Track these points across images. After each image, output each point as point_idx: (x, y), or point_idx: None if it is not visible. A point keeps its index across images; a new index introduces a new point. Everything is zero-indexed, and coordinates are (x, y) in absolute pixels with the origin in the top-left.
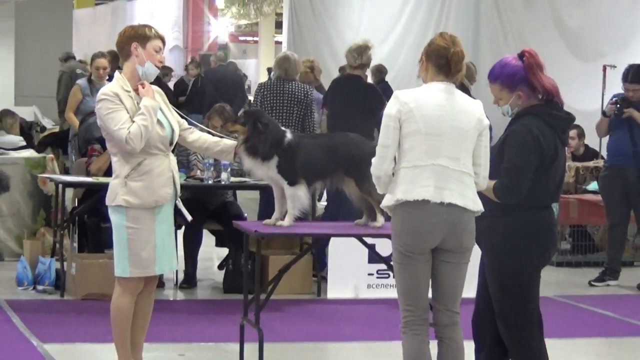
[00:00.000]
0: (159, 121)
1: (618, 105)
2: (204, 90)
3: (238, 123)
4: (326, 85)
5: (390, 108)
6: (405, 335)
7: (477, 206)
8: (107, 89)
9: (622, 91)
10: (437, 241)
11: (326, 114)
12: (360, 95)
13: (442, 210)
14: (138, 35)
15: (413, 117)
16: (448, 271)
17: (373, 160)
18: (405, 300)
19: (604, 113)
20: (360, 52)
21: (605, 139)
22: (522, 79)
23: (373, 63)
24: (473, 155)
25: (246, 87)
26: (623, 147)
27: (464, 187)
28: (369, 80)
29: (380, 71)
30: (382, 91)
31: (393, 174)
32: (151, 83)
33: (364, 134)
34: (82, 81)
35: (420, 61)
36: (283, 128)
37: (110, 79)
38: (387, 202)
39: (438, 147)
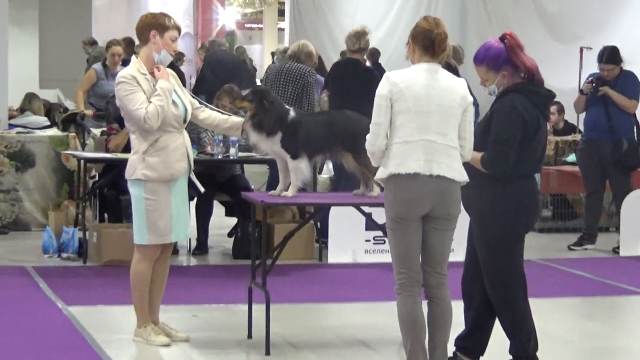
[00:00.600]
0: (173, 101)
1: (594, 84)
2: (203, 73)
3: (246, 100)
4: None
5: (382, 88)
6: (399, 296)
7: (463, 177)
8: (125, 72)
9: (597, 71)
10: (427, 209)
11: (327, 94)
12: (359, 78)
13: (432, 181)
14: (158, 24)
15: (403, 96)
16: (436, 237)
17: (367, 136)
18: (399, 264)
19: (581, 91)
20: (359, 37)
21: (582, 115)
22: (505, 60)
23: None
24: (459, 130)
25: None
26: (599, 122)
27: (451, 159)
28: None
29: (374, 54)
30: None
31: (386, 149)
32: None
33: (363, 114)
34: (97, 65)
35: (407, 44)
36: (287, 106)
37: (125, 63)
38: (380, 175)
39: (427, 124)
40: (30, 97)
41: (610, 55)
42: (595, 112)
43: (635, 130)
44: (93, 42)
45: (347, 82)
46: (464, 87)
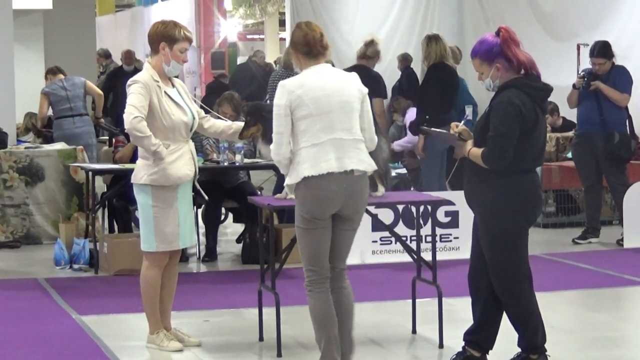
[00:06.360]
0: (182, 108)
1: (585, 79)
2: (225, 86)
3: (249, 126)
4: None
5: (280, 98)
6: (311, 292)
7: (372, 167)
8: (140, 76)
9: (590, 66)
10: (337, 208)
11: None
12: (365, 83)
13: (345, 179)
14: (167, 36)
15: (303, 102)
16: (343, 236)
17: (271, 146)
18: (309, 262)
19: (573, 86)
20: (367, 45)
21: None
22: (498, 52)
23: None
24: (360, 121)
25: None
26: (591, 116)
27: (360, 152)
28: (397, 65)
29: (406, 58)
30: (407, 76)
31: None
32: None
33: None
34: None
35: (290, 54)
36: None
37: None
38: (291, 180)
39: (331, 123)
40: (32, 116)
41: (601, 50)
42: (588, 106)
43: (627, 123)
44: (108, 55)
45: None
46: (357, 80)
